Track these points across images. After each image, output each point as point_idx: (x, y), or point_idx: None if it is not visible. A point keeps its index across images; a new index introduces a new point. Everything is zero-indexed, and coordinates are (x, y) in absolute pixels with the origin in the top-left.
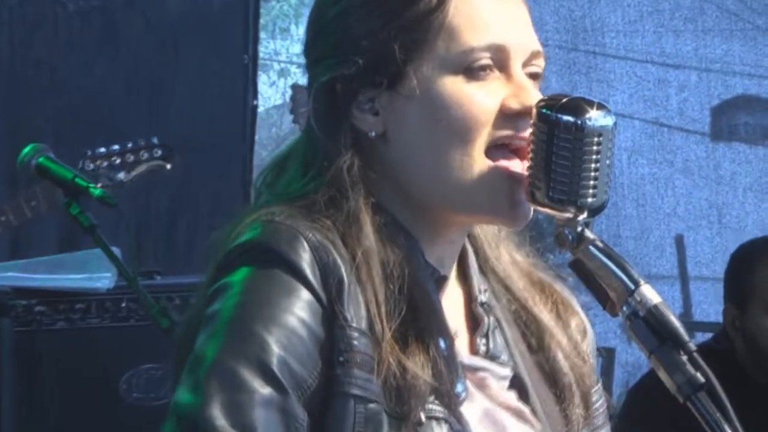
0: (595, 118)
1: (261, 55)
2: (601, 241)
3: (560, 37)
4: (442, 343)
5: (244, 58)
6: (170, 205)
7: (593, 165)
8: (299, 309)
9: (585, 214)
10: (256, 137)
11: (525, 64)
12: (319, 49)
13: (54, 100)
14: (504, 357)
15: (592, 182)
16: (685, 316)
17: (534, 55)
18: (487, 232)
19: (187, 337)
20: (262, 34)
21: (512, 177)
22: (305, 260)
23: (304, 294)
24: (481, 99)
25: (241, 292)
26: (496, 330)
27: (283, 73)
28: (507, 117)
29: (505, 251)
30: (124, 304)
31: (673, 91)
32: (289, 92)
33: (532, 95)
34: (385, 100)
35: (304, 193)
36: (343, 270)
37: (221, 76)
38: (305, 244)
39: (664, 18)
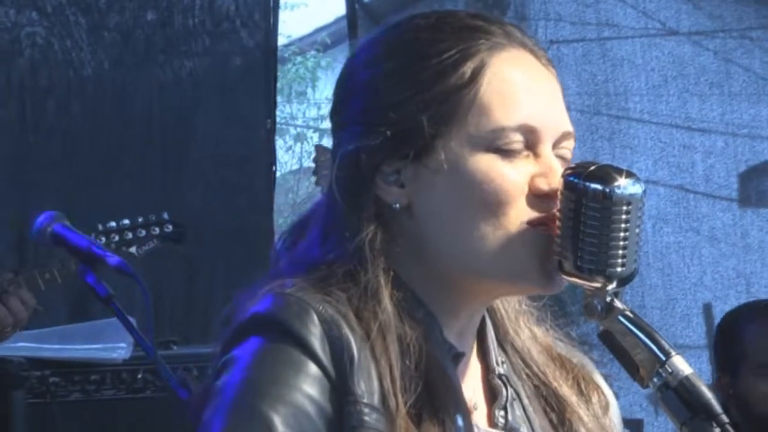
0: (624, 186)
1: (277, 119)
2: (631, 311)
3: (582, 101)
4: (459, 420)
5: (267, 123)
6: (188, 274)
7: (622, 234)
8: (307, 385)
9: (614, 284)
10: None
11: (555, 145)
12: (345, 113)
13: (66, 167)
14: (523, 430)
15: (620, 251)
16: (715, 386)
17: (564, 137)
18: (508, 306)
19: (199, 409)
20: (278, 98)
21: (548, 239)
22: (315, 335)
23: (313, 369)
24: (512, 175)
25: (248, 367)
26: (515, 402)
27: (299, 138)
28: (537, 197)
29: (525, 326)
30: (140, 375)
31: (699, 157)
32: (311, 153)
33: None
34: (411, 172)
35: (322, 263)
36: (353, 344)
37: (241, 142)
38: (315, 318)
39: (689, 82)
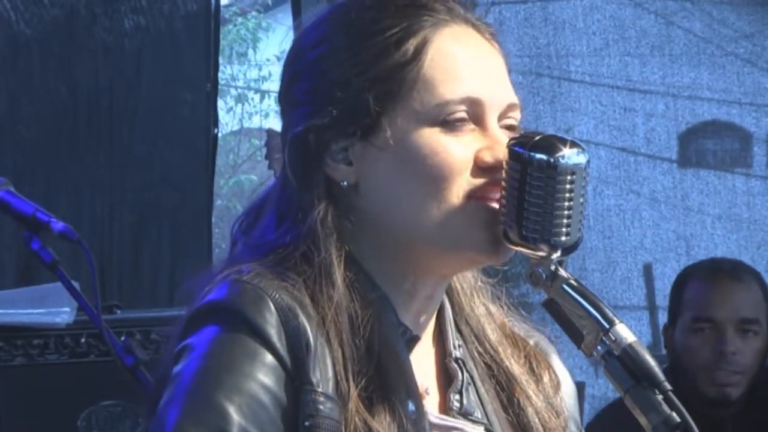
0: (568, 156)
1: (218, 81)
2: (575, 280)
3: (524, 64)
4: (410, 405)
5: (207, 86)
6: (132, 236)
7: (566, 203)
8: (262, 374)
9: (558, 253)
10: None
11: (501, 117)
12: (293, 94)
13: (13, 130)
14: (477, 414)
15: (565, 221)
16: (654, 348)
17: (510, 108)
18: (463, 282)
19: (155, 395)
20: (219, 59)
21: (491, 210)
22: (271, 324)
23: (268, 358)
24: (456, 150)
25: (203, 355)
26: (470, 386)
27: (240, 99)
28: (482, 169)
29: (480, 302)
30: (83, 339)
31: (640, 120)
32: (252, 114)
33: None
34: (358, 150)
35: (277, 246)
36: (309, 332)
37: (182, 104)
38: (271, 306)
39: (630, 45)
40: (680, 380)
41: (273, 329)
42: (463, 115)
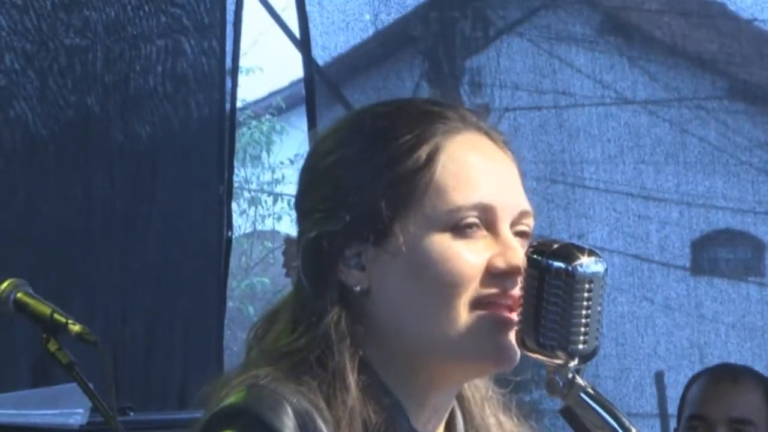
0: (587, 264)
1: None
2: (593, 388)
3: (539, 170)
4: None
5: (219, 189)
6: (144, 338)
7: (584, 311)
8: None
9: (576, 361)
10: None
11: (513, 224)
12: (308, 201)
13: (28, 230)
14: None
15: (583, 329)
16: None
17: (522, 215)
18: (475, 392)
19: None
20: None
21: (496, 319)
22: (289, 427)
23: None
24: (467, 256)
25: None
26: None
27: (253, 202)
28: (493, 276)
29: (491, 413)
30: None
31: (653, 227)
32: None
33: (519, 255)
34: (371, 255)
35: (292, 351)
36: None
37: (196, 207)
38: (289, 411)
39: (645, 152)
40: None
41: None
42: (475, 220)
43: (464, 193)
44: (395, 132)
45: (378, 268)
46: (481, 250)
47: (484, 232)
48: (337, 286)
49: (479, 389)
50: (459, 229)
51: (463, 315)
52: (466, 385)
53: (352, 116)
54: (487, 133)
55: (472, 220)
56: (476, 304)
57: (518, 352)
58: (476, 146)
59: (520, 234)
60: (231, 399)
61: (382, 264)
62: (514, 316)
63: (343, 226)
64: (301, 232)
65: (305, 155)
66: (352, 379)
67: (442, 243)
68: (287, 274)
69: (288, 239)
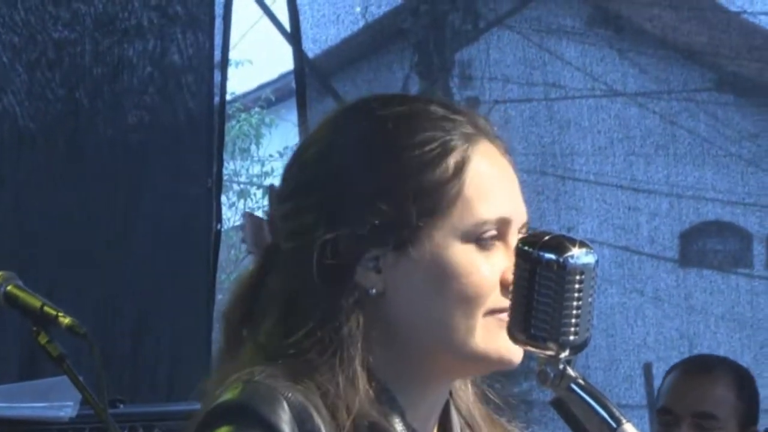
0: (578, 256)
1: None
2: (583, 379)
3: (529, 162)
4: None
5: (208, 182)
6: (133, 330)
7: (575, 303)
8: None
9: (567, 352)
10: None
11: (518, 233)
12: (314, 196)
13: (17, 223)
14: None
15: (574, 320)
16: None
17: (524, 225)
18: (462, 383)
19: None
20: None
21: (504, 323)
22: (284, 421)
23: None
24: (487, 271)
25: None
26: None
27: (243, 194)
28: (507, 288)
29: (471, 391)
30: None
31: (643, 219)
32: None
33: None
34: (390, 259)
35: (296, 351)
36: (323, 430)
37: (185, 200)
38: (285, 405)
39: (635, 144)
40: None
41: (287, 426)
42: (495, 233)
43: (488, 206)
44: (419, 137)
45: (396, 273)
46: (498, 263)
47: (498, 243)
48: (354, 288)
49: (465, 380)
50: (482, 241)
51: (479, 322)
52: None
53: (368, 113)
54: (492, 141)
55: (492, 233)
56: (490, 312)
57: (521, 351)
58: (492, 157)
59: None
60: (227, 395)
61: (402, 269)
62: None
63: (369, 229)
64: (300, 228)
65: (294, 147)
66: (361, 382)
67: (466, 254)
68: (249, 251)
69: (249, 214)
